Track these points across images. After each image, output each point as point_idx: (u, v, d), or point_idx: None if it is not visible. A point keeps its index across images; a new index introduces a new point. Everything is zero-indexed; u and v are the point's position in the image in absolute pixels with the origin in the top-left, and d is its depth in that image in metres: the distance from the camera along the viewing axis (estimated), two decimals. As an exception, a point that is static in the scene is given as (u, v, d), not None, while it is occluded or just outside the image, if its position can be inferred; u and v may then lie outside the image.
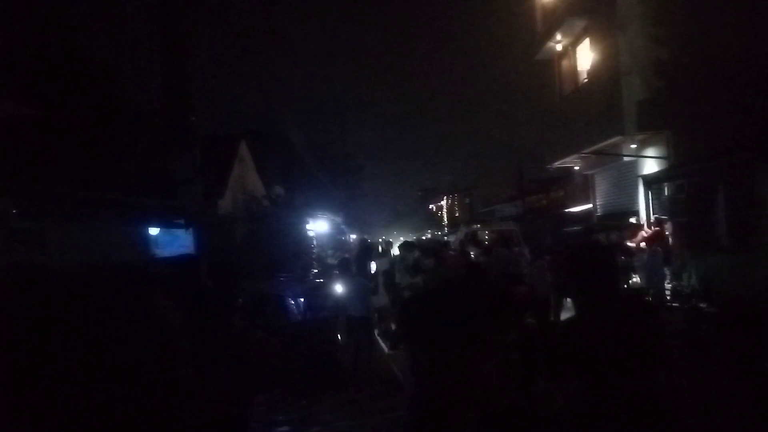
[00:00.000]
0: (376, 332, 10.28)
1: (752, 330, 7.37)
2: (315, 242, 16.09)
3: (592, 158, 15.91)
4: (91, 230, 6.01)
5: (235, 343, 2.86)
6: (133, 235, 7.10)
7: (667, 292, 11.13)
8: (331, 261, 14.34)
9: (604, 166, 15.94)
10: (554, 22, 16.61)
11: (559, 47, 16.97)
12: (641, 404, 2.72)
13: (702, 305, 9.44)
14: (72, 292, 1.59)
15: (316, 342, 8.48)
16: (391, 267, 12.78)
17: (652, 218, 12.76)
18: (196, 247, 7.84)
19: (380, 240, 25.63)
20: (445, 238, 26.34)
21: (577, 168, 17.89)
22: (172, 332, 1.62)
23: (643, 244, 11.75)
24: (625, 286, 11.68)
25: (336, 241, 20.44)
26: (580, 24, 15.37)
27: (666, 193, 12.79)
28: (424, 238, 32.55)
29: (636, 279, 11.90)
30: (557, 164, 17.97)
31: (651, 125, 12.93)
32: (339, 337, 9.20)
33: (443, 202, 60.85)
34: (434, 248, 12.41)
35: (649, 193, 13.43)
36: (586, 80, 15.72)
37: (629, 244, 12.14)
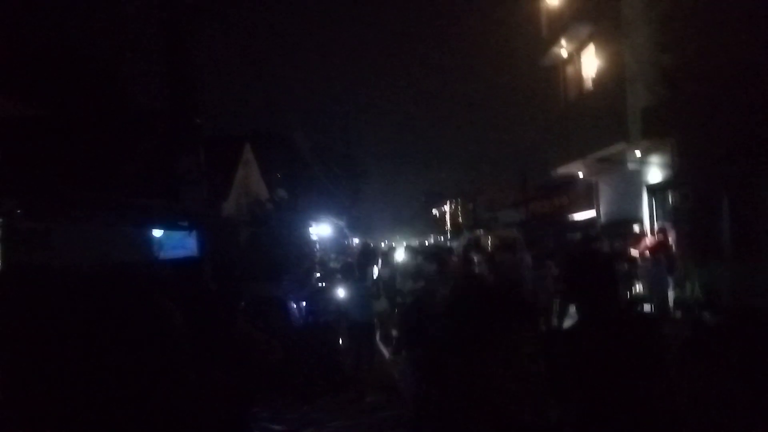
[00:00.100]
0: (377, 337, 10.26)
1: (756, 341, 7.33)
2: (318, 246, 16.08)
3: (596, 165, 15.87)
4: (94, 231, 6.02)
5: (237, 346, 2.86)
6: (136, 236, 7.10)
7: (670, 302, 11.10)
8: (333, 265, 14.34)
9: (608, 172, 15.91)
10: (560, 27, 16.61)
11: (564, 53, 16.96)
12: (638, 417, 2.71)
13: (705, 315, 9.41)
14: (77, 294, 1.59)
15: (317, 346, 8.48)
16: (392, 273, 12.76)
17: (656, 226, 12.72)
18: (200, 249, 7.85)
19: (382, 244, 25.64)
20: (448, 243, 26.32)
21: (581, 174, 17.84)
22: (175, 335, 1.62)
23: (646, 253, 11.73)
24: (628, 294, 11.65)
25: (339, 245, 20.43)
26: (585, 30, 15.36)
27: (670, 201, 12.76)
28: (426, 243, 32.54)
29: (639, 287, 11.87)
30: (561, 170, 17.94)
31: (655, 132, 12.89)
32: (340, 342, 9.19)
33: (446, 207, 60.74)
34: (438, 254, 12.38)
35: (653, 200, 13.39)
36: (590, 86, 15.70)
37: (632, 252, 12.11)
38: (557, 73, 17.97)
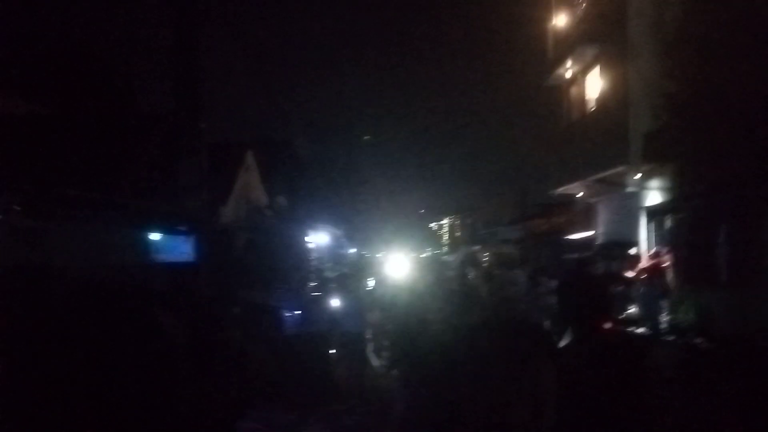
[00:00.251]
0: (369, 349, 10.24)
1: (747, 368, 7.34)
2: (314, 254, 16.07)
3: (595, 186, 15.92)
4: (93, 232, 6.02)
5: (230, 355, 2.87)
6: (134, 238, 7.09)
7: (664, 325, 11.10)
8: (329, 274, 14.31)
9: (607, 194, 15.94)
10: (566, 48, 16.71)
11: (568, 74, 17.07)
12: None
13: (698, 340, 9.42)
14: (73, 302, 1.60)
15: (309, 356, 8.46)
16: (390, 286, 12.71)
17: (653, 250, 12.75)
18: (197, 254, 7.84)
19: (378, 255, 25.59)
20: (444, 257, 26.27)
21: (580, 195, 17.89)
22: (169, 349, 1.63)
23: (642, 275, 11.74)
24: (622, 316, 11.66)
25: (336, 255, 20.41)
26: (591, 52, 15.46)
27: (668, 225, 12.79)
28: (423, 256, 32.44)
29: (633, 310, 11.87)
30: (560, 190, 17.98)
31: (656, 157, 12.93)
32: (333, 352, 9.17)
33: (445, 221, 60.77)
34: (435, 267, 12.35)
35: (651, 224, 13.42)
36: (593, 108, 15.77)
37: (628, 274, 12.12)
38: (561, 94, 18.06)
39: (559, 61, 16.94)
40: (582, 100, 16.66)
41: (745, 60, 10.24)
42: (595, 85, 15.69)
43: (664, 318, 11.21)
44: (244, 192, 19.89)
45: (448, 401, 1.82)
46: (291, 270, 11.30)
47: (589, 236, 17.65)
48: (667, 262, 11.99)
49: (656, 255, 12.18)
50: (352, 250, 26.99)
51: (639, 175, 13.77)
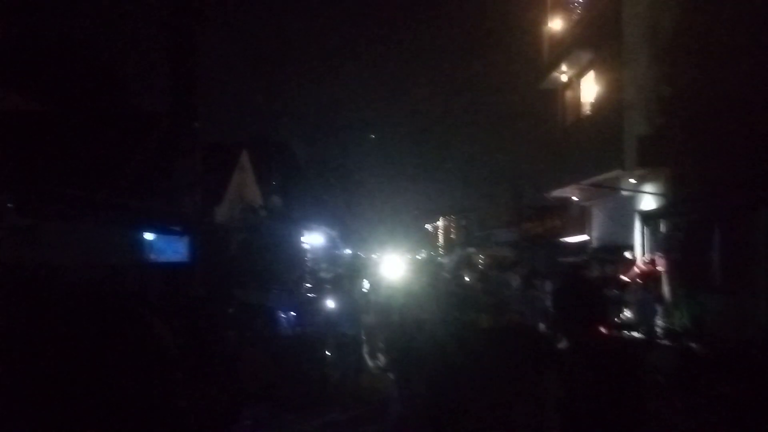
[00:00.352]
0: (364, 351, 10.22)
1: (741, 372, 7.36)
2: (309, 255, 16.04)
3: (590, 190, 15.94)
4: (87, 231, 5.99)
5: (225, 357, 2.85)
6: (129, 238, 7.07)
7: (658, 330, 11.12)
8: (324, 275, 14.29)
9: (602, 198, 15.97)
10: (561, 52, 16.73)
11: (564, 78, 17.08)
12: None
13: (692, 345, 9.43)
14: (62, 304, 1.58)
15: (304, 357, 8.44)
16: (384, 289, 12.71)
17: (647, 254, 12.77)
18: (191, 254, 7.81)
19: (373, 256, 25.55)
20: (439, 259, 26.26)
21: (574, 198, 17.92)
22: (163, 357, 1.61)
23: (636, 279, 11.76)
24: (617, 319, 11.68)
25: (330, 256, 20.39)
26: (586, 56, 15.48)
27: (662, 230, 12.82)
28: (418, 257, 32.43)
29: (628, 314, 11.89)
30: (555, 193, 18.00)
31: (651, 161, 12.97)
32: (328, 354, 9.15)
33: (440, 223, 60.74)
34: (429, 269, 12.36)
35: (646, 228, 13.45)
36: (588, 112, 15.79)
37: (623, 278, 12.14)
38: (556, 98, 18.09)
39: (555, 64, 16.96)
40: (577, 104, 16.68)
41: (740, 65, 10.27)
42: (590, 89, 15.70)
43: (659, 322, 11.23)
44: (239, 192, 19.85)
45: (447, 402, 1.81)
46: (286, 270, 11.27)
47: (583, 240, 17.68)
48: (661, 266, 12.01)
49: (650, 259, 12.21)
50: (347, 251, 26.96)
51: (634, 180, 13.81)
